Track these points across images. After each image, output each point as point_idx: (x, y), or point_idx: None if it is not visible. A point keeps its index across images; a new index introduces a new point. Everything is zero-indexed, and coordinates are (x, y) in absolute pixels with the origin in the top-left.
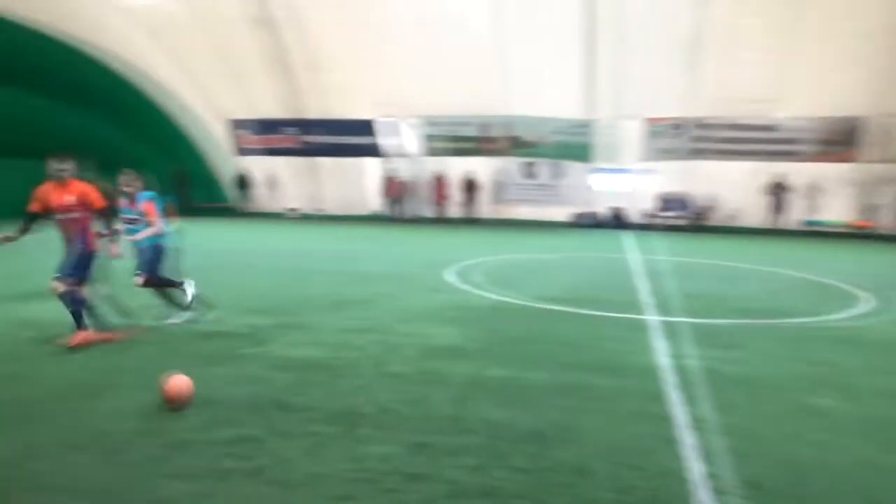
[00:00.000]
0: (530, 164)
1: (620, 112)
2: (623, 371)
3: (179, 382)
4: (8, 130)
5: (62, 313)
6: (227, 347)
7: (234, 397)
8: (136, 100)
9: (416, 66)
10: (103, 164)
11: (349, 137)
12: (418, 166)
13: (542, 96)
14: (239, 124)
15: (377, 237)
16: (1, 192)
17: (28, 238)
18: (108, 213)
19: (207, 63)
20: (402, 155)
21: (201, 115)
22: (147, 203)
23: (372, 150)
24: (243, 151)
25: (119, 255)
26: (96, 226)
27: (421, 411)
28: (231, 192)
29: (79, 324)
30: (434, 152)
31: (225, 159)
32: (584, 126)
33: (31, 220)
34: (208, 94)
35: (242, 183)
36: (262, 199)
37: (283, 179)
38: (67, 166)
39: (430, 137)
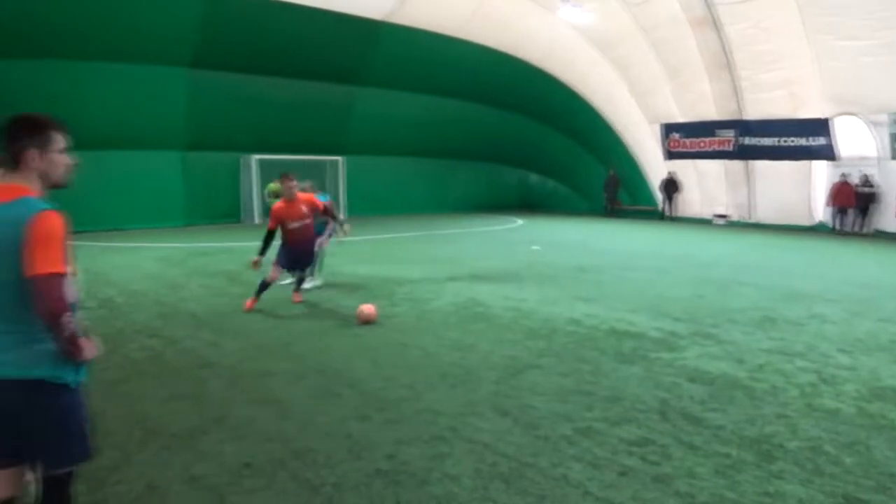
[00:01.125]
0: None
1: None
2: None
3: (367, 312)
4: (471, 139)
5: (494, 297)
6: (639, 349)
7: (642, 399)
8: (579, 108)
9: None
10: (546, 167)
11: (792, 139)
12: (881, 171)
13: None
14: (671, 128)
15: (817, 251)
16: (467, 189)
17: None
18: (330, 210)
19: (646, 69)
20: (859, 158)
21: (635, 119)
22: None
23: (819, 153)
24: (673, 155)
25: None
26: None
27: (859, 460)
28: (657, 196)
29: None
30: None
31: (654, 163)
32: None
33: (270, 237)
34: (645, 99)
35: (669, 187)
36: (688, 203)
37: (712, 184)
38: (295, 183)
39: None
